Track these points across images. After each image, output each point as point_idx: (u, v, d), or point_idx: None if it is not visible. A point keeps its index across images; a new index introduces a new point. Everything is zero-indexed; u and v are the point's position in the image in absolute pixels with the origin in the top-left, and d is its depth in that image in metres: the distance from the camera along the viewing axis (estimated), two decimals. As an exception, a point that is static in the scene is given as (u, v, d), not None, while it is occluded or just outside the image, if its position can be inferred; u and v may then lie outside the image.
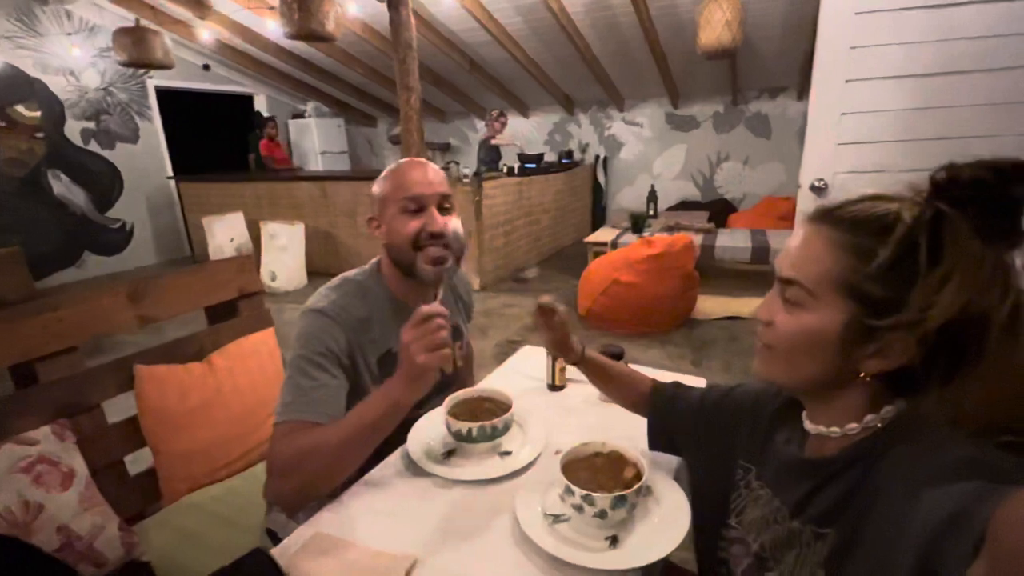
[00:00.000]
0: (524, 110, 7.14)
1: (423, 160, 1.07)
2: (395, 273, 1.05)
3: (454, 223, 0.99)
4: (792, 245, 0.57)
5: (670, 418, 0.88)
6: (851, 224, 0.52)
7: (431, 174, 1.02)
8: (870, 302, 0.50)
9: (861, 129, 2.06)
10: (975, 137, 1.98)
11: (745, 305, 3.71)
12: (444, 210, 1.02)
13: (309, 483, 0.82)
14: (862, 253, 0.50)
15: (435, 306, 0.79)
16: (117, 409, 1.25)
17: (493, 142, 5.39)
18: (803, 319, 0.54)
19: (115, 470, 1.23)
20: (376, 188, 1.06)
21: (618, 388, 0.98)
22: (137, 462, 1.28)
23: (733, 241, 4.20)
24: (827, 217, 0.55)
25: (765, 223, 5.10)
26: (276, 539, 1.09)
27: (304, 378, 0.90)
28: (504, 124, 5.44)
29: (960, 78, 1.94)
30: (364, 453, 0.85)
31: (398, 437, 0.98)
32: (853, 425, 0.56)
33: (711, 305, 3.71)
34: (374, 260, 1.11)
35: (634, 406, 0.96)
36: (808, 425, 0.62)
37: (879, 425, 0.54)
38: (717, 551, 0.73)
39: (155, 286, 1.35)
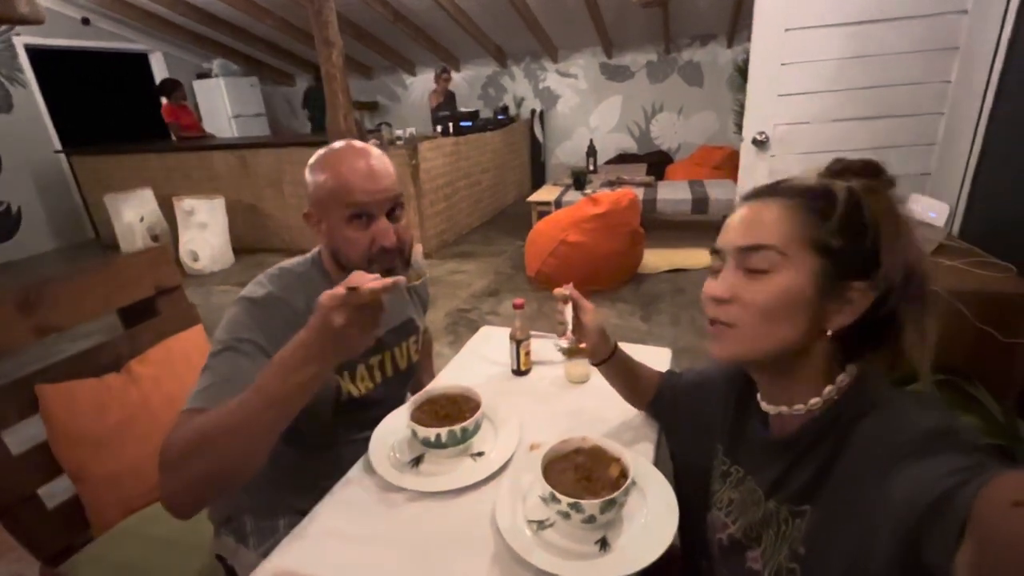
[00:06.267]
0: (455, 64, 6.79)
1: (365, 147, 0.89)
2: (339, 270, 0.93)
3: (405, 230, 0.89)
4: (739, 220, 0.58)
5: (665, 408, 0.89)
6: (798, 192, 0.56)
7: (377, 172, 0.86)
8: (834, 255, 0.53)
9: (800, 79, 2.06)
10: (902, 85, 2.03)
11: (688, 257, 3.80)
12: (394, 216, 0.89)
13: (200, 479, 0.66)
14: (819, 211, 0.54)
15: (371, 277, 0.63)
16: (21, 437, 1.09)
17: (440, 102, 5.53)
18: (776, 282, 0.54)
19: (28, 506, 1.08)
20: (310, 177, 0.89)
21: (643, 388, 0.92)
22: (55, 493, 1.13)
23: (673, 193, 4.25)
24: (771, 191, 0.58)
25: (701, 173, 5.21)
26: (226, 565, 1.00)
27: (225, 365, 0.78)
28: (448, 80, 5.61)
29: (890, 25, 1.97)
30: (267, 440, 0.68)
31: (358, 447, 0.90)
32: (815, 400, 0.56)
33: (655, 259, 3.77)
34: (315, 251, 0.98)
35: (650, 405, 0.93)
36: (767, 407, 0.62)
37: (835, 397, 0.56)
38: (699, 531, 0.73)
39: (51, 290, 1.16)
